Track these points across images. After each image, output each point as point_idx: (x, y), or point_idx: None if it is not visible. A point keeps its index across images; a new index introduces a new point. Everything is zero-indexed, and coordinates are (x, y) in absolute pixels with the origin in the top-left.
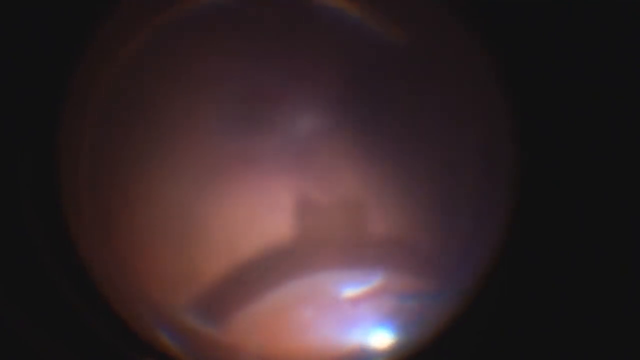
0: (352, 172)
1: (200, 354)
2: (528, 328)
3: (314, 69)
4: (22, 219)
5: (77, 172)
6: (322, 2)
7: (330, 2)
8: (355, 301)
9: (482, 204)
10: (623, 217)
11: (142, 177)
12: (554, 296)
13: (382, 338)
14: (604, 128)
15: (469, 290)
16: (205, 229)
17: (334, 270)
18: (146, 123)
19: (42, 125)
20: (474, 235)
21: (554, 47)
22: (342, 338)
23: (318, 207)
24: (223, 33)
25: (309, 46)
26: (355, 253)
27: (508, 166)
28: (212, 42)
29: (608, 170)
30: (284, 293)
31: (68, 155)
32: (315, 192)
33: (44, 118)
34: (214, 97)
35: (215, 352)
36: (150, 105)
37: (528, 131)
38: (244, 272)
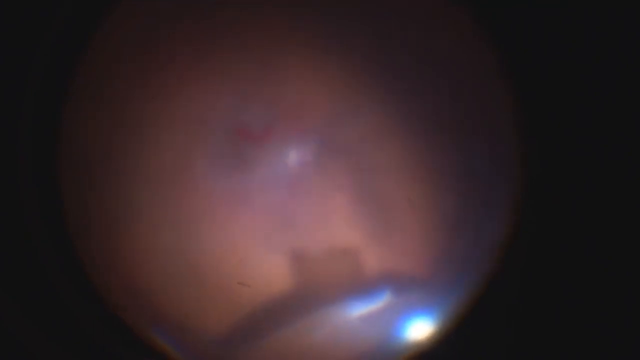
0: (342, 206)
1: None
2: (532, 333)
3: (298, 106)
4: (22, 219)
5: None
6: (306, 39)
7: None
8: (364, 320)
9: (485, 214)
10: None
11: (137, 218)
12: (560, 305)
13: (392, 349)
14: (610, 124)
15: (470, 298)
16: (200, 269)
17: (340, 299)
18: (135, 166)
19: (42, 126)
20: (475, 245)
21: (559, 44)
22: (353, 354)
23: (312, 251)
24: (206, 71)
25: (293, 82)
26: (355, 283)
27: (513, 176)
28: (196, 80)
29: (614, 168)
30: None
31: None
32: (306, 228)
33: (44, 118)
34: (199, 139)
35: None
36: (138, 148)
37: (534, 130)
38: (251, 312)
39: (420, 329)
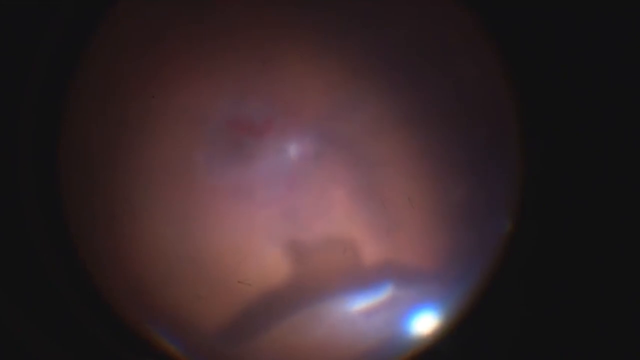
0: (343, 200)
1: None
2: (533, 330)
3: (298, 101)
4: (22, 219)
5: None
6: (305, 35)
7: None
8: (366, 313)
9: (485, 210)
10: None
11: (137, 215)
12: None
13: (395, 344)
14: (610, 123)
15: (474, 293)
16: (202, 267)
17: (341, 293)
18: (136, 164)
19: (42, 126)
20: (476, 241)
21: (560, 44)
22: (355, 349)
23: (313, 245)
24: (206, 69)
25: (293, 78)
26: (357, 275)
27: (514, 174)
28: (195, 76)
29: (614, 167)
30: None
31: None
32: (306, 222)
33: (44, 118)
34: (200, 136)
35: None
36: (138, 147)
37: (535, 129)
38: (252, 304)
39: (422, 324)
